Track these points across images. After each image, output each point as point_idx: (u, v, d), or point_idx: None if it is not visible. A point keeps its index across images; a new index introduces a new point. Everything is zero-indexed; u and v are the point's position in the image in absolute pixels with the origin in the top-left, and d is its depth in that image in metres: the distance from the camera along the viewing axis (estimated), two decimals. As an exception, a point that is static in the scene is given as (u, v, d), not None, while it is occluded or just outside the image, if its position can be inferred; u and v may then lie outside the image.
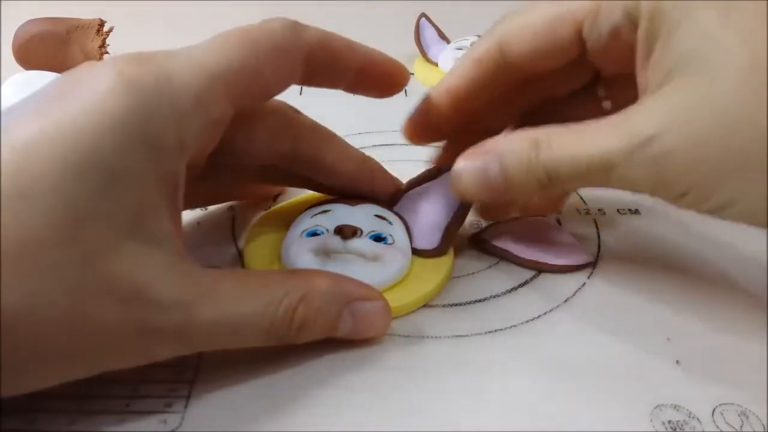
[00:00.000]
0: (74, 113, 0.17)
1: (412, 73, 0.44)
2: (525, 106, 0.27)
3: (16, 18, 0.39)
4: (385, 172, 0.27)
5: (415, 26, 0.44)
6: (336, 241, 0.24)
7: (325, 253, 0.24)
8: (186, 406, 0.20)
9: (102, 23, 0.40)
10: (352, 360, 0.22)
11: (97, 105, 0.17)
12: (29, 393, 0.19)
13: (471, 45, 0.26)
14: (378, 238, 0.25)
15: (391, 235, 0.25)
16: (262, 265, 0.25)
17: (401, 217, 0.26)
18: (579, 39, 0.23)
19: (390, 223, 0.25)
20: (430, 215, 0.26)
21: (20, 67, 0.38)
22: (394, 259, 0.24)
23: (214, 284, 0.19)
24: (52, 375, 0.17)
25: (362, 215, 0.25)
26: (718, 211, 0.20)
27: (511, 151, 0.22)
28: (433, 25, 0.45)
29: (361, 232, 0.24)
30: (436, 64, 0.43)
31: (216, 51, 0.19)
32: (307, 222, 0.25)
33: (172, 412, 0.20)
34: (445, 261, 0.26)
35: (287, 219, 0.26)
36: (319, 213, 0.25)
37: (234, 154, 0.23)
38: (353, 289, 0.22)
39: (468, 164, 0.23)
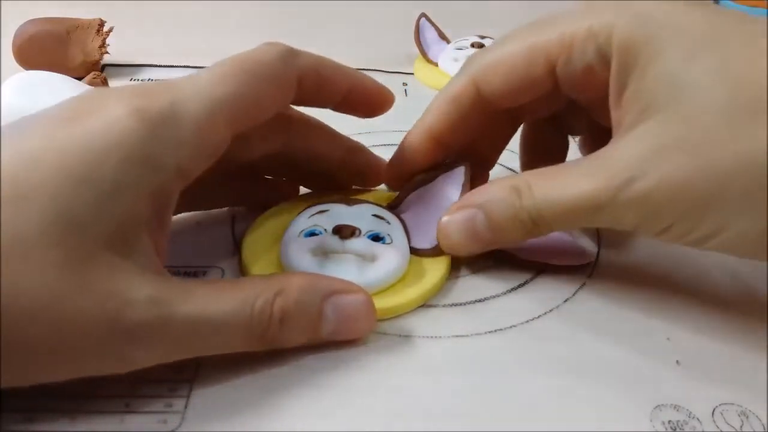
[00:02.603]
0: (84, 132, 0.18)
1: (412, 73, 0.44)
2: (505, 134, 0.28)
3: (16, 18, 0.39)
4: (373, 157, 0.27)
5: (415, 26, 0.44)
6: (334, 241, 0.24)
7: (323, 253, 0.24)
8: (186, 406, 0.20)
9: (102, 23, 0.40)
10: (352, 360, 0.22)
11: (106, 128, 0.18)
12: (28, 394, 0.19)
13: (450, 81, 0.26)
14: (376, 238, 0.24)
15: (389, 234, 0.25)
16: (261, 264, 0.25)
17: (400, 218, 0.26)
18: (552, 75, 0.24)
19: (388, 222, 0.25)
20: (429, 215, 0.26)
21: (20, 67, 0.38)
22: (392, 259, 0.24)
23: (189, 288, 0.19)
24: (32, 372, 0.18)
25: (360, 215, 0.25)
26: (701, 243, 0.21)
27: (494, 200, 0.23)
28: (433, 25, 0.45)
29: (360, 231, 0.24)
30: (436, 64, 0.43)
31: (217, 81, 0.20)
32: (304, 222, 0.25)
33: (172, 412, 0.20)
34: (443, 260, 0.26)
35: (286, 219, 0.26)
36: (316, 213, 0.25)
37: (230, 154, 0.24)
38: (331, 283, 0.22)
39: (453, 218, 0.24)
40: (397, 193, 0.27)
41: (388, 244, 0.24)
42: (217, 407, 0.20)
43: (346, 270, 0.23)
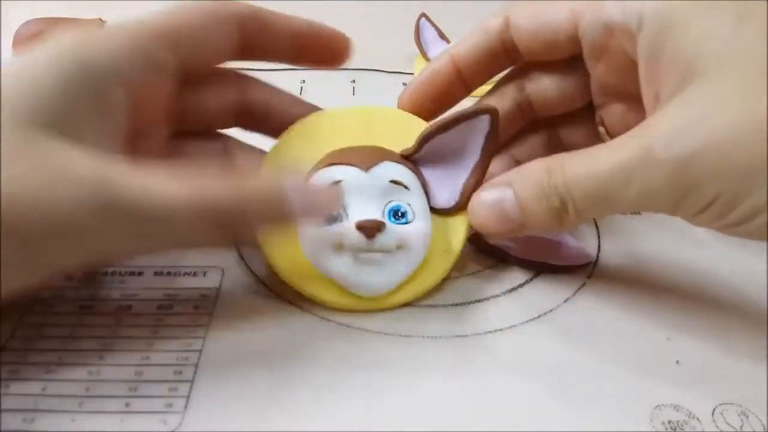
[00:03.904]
0: (36, 55, 0.20)
1: (412, 73, 0.44)
2: (526, 117, 0.27)
3: (16, 18, 0.39)
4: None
5: (415, 26, 0.44)
6: (359, 239, 0.22)
7: (348, 250, 0.23)
8: (186, 406, 0.20)
9: (102, 23, 0.40)
10: (352, 360, 0.22)
11: (52, 49, 0.20)
12: (28, 393, 0.19)
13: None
14: (397, 214, 0.23)
15: (409, 205, 0.24)
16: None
17: (418, 173, 0.24)
18: (575, 39, 0.24)
19: (407, 188, 0.24)
20: (449, 168, 0.25)
21: (20, 67, 0.38)
22: (417, 246, 0.23)
23: (136, 173, 0.19)
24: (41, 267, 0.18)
25: (377, 183, 0.23)
26: (744, 221, 0.19)
27: (523, 178, 0.22)
28: (433, 25, 0.45)
29: (384, 225, 0.23)
30: (436, 64, 0.43)
31: (152, 14, 0.22)
32: None
33: (172, 412, 0.20)
34: (462, 222, 0.25)
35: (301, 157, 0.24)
36: (330, 185, 0.23)
37: (191, 115, 0.25)
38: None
39: (482, 197, 0.23)
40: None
41: (410, 222, 0.23)
42: (217, 407, 0.20)
43: (377, 271, 0.23)
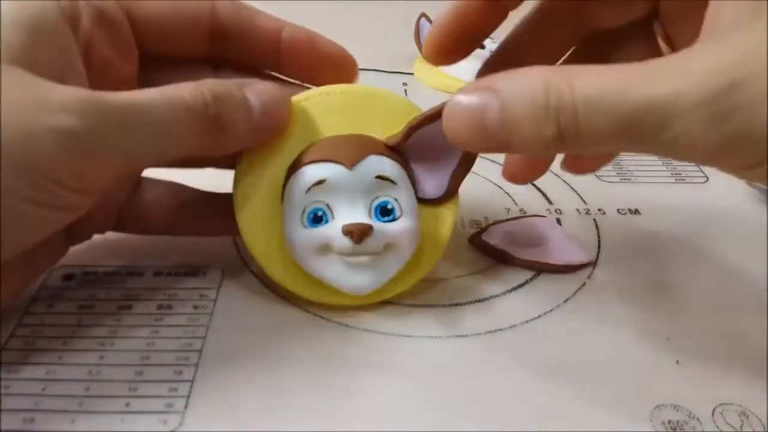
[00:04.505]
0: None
1: (412, 73, 0.44)
2: (572, 36, 0.24)
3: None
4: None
5: (415, 26, 0.44)
6: (347, 244, 0.22)
7: (335, 252, 0.23)
8: (186, 406, 0.20)
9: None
10: (352, 361, 0.22)
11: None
12: (28, 393, 0.19)
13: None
14: (383, 210, 0.23)
15: (396, 200, 0.23)
16: (259, 236, 0.24)
17: (404, 164, 0.24)
18: None
19: (394, 182, 0.23)
20: (437, 157, 0.24)
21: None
22: (405, 245, 0.23)
23: (113, 93, 0.19)
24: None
25: (363, 180, 0.23)
26: None
27: (516, 89, 0.18)
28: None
29: (372, 229, 0.22)
30: (436, 64, 0.43)
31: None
32: (303, 198, 0.23)
33: (172, 412, 0.20)
34: (451, 210, 0.24)
35: (277, 159, 0.24)
36: (314, 185, 0.22)
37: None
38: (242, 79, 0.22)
39: (462, 101, 0.19)
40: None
41: (398, 219, 0.23)
42: (217, 407, 0.20)
43: (365, 273, 0.23)
